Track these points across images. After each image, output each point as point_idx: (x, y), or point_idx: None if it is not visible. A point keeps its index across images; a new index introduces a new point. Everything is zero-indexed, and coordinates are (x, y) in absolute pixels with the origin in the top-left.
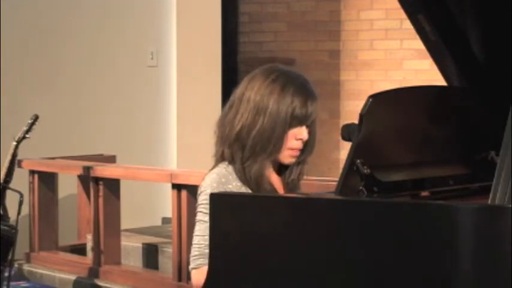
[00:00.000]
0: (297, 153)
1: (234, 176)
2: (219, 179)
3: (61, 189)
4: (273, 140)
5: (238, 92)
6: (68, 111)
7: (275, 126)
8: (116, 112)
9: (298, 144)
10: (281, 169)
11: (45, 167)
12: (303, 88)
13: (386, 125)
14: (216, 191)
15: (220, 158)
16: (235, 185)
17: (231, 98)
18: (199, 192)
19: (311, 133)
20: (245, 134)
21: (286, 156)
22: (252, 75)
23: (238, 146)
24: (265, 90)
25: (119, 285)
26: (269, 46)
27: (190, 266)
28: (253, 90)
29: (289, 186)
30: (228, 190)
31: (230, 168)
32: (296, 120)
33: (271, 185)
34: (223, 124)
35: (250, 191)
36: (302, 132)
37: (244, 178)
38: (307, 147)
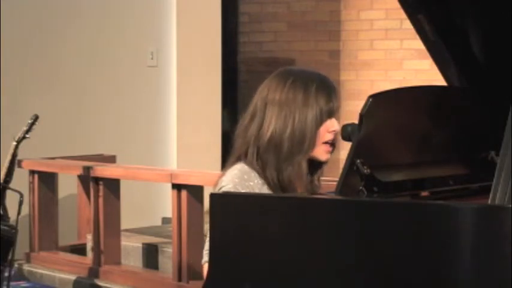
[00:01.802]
0: (331, 147)
1: (256, 173)
2: (241, 174)
3: (61, 189)
4: (307, 139)
5: (259, 101)
6: (68, 111)
7: (305, 127)
8: (116, 112)
9: (332, 136)
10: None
11: (45, 167)
12: (324, 83)
13: (387, 125)
14: (238, 186)
15: (234, 162)
16: (256, 183)
17: (251, 107)
18: (218, 187)
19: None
20: (277, 139)
21: (322, 152)
22: (268, 82)
23: (272, 152)
24: (289, 94)
25: (118, 285)
26: (269, 46)
27: (203, 260)
28: (275, 96)
29: (312, 185)
30: (249, 186)
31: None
32: (325, 115)
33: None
34: (246, 134)
35: (271, 191)
36: (333, 124)
37: (276, 182)
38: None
